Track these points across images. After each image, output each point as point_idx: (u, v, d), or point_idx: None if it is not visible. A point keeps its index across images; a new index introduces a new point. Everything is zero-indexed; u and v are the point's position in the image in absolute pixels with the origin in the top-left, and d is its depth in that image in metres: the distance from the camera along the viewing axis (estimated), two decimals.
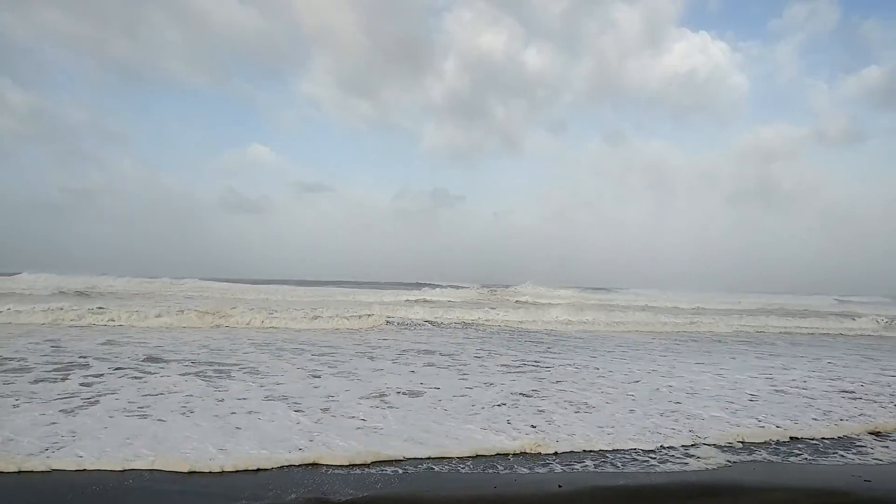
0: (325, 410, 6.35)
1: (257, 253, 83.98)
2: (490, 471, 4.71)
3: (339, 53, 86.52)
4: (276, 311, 17.24)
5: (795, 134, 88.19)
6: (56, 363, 8.72)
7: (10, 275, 32.15)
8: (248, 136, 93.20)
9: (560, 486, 4.35)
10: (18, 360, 8.86)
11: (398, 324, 16.92)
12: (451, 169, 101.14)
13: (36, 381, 7.36)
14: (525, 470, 4.74)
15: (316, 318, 16.21)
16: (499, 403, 7.00)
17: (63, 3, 72.31)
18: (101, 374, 7.96)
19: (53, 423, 5.50)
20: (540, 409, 6.79)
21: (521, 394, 7.64)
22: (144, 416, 5.80)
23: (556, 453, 5.13)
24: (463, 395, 7.43)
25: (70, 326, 13.68)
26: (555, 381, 8.64)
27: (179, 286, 31.22)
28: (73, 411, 5.97)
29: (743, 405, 7.38)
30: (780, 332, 19.65)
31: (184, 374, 8.19)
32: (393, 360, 10.54)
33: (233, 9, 77.42)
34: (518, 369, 9.71)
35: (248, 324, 15.18)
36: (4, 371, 7.98)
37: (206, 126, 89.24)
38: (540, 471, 4.73)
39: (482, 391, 7.75)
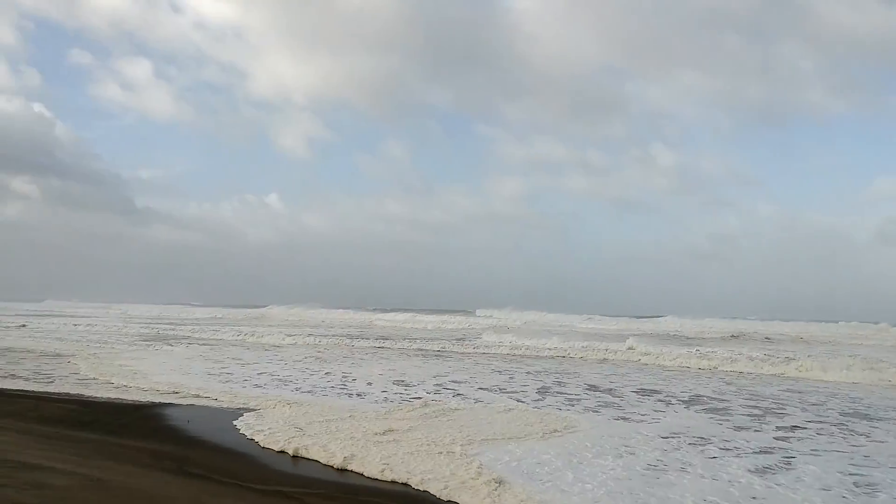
0: None
1: None
2: None
3: None
4: None
5: None
6: (752, 407, 8.90)
7: (653, 317, 36.93)
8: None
9: None
10: (721, 401, 9.45)
11: None
12: None
13: (738, 429, 7.35)
14: None
15: None
16: None
17: (701, 64, 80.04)
18: (802, 428, 7.48)
19: (753, 497, 4.71)
20: None
21: None
22: None
23: None
24: None
25: (696, 369, 14.00)
26: None
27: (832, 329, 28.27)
28: (764, 471, 5.40)
29: None
30: None
31: None
32: None
33: None
34: None
35: None
36: (707, 410, 8.68)
37: (847, 155, 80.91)
38: None
39: None
